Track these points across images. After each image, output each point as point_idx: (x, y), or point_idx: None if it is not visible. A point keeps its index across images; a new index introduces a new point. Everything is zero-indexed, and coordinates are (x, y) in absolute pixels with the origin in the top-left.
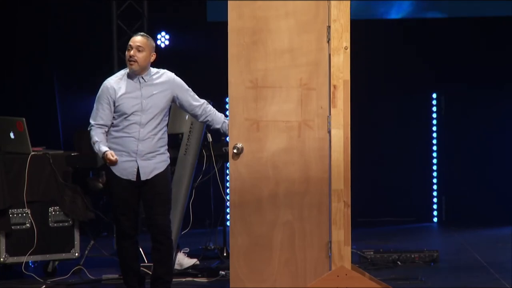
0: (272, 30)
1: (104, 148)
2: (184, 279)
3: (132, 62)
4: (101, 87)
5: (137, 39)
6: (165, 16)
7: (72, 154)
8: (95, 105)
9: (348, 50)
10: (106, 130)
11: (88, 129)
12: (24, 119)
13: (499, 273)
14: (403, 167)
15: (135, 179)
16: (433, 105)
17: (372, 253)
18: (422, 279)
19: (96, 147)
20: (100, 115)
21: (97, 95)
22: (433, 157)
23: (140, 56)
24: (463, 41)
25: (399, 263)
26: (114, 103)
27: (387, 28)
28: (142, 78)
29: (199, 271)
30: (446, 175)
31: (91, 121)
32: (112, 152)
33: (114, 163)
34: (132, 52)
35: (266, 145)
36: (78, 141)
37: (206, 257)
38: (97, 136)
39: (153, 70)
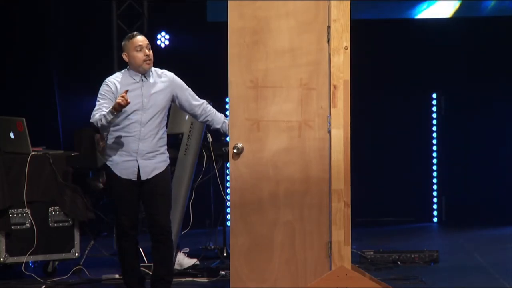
0: (273, 30)
1: (110, 108)
2: (184, 279)
3: (149, 62)
4: (103, 84)
5: (143, 39)
6: (165, 16)
7: (72, 154)
8: (97, 101)
9: (348, 50)
10: None
11: (90, 121)
12: (24, 119)
13: (499, 273)
14: (403, 167)
15: (135, 179)
16: (433, 105)
17: (372, 253)
18: (422, 279)
19: (103, 119)
20: (102, 109)
21: (99, 91)
22: (433, 157)
23: (151, 55)
24: (463, 41)
25: (399, 263)
26: (116, 99)
27: (387, 28)
28: (145, 77)
29: (199, 271)
30: (446, 175)
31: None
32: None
33: (126, 103)
34: (148, 52)
35: (267, 145)
36: (78, 141)
37: (206, 257)
38: (98, 113)
39: (153, 69)
